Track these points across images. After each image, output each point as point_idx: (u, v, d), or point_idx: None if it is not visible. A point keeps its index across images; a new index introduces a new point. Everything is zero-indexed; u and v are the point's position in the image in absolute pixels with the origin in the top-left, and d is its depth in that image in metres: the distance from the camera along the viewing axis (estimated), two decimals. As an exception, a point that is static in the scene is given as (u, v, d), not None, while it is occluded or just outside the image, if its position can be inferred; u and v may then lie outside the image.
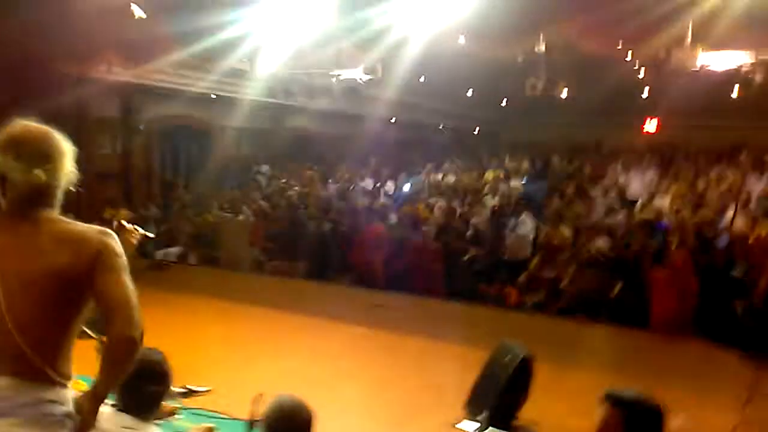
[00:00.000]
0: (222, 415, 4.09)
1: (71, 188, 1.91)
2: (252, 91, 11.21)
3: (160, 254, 9.88)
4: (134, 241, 2.91)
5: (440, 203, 9.59)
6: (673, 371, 5.14)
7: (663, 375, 4.80)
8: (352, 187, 11.34)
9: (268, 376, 4.82)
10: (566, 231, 7.70)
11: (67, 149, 1.87)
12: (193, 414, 4.08)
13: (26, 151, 1.78)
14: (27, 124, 1.84)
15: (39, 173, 1.78)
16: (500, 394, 4.00)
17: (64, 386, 1.80)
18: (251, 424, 3.28)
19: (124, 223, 3.02)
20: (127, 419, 2.51)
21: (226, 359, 5.19)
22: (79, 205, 8.25)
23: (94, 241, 1.81)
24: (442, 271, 7.91)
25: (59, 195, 1.87)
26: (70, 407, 1.79)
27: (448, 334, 5.85)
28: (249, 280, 8.38)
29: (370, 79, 10.95)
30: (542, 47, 9.67)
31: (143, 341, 1.79)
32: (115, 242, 1.87)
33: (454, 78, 12.75)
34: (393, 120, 16.65)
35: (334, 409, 4.18)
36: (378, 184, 11.81)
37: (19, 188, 1.77)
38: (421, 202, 10.24)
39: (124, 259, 1.85)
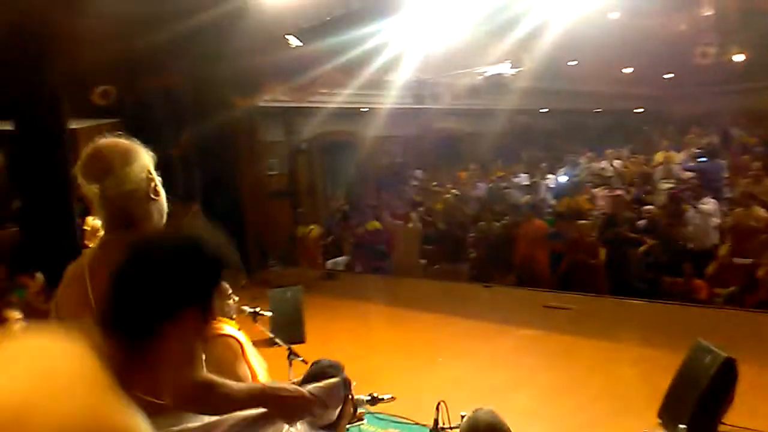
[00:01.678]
0: (405, 420, 4.15)
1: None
2: (399, 100, 11.43)
3: (329, 264, 10.46)
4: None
5: (605, 192, 9.00)
6: None
7: None
8: (505, 186, 11.07)
9: (444, 382, 4.82)
10: (761, 211, 6.82)
11: (132, 159, 1.69)
12: (376, 418, 4.20)
13: (87, 168, 1.67)
14: (98, 142, 1.72)
15: (93, 188, 1.65)
16: (701, 401, 3.61)
17: None
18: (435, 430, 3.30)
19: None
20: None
21: (402, 365, 5.29)
22: (257, 225, 9.00)
23: None
24: (603, 266, 7.39)
25: (143, 212, 1.69)
26: None
27: (627, 334, 5.43)
28: (415, 286, 8.49)
29: (517, 71, 10.65)
30: (710, 10, 8.73)
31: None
32: None
33: (609, 57, 12.01)
34: (545, 110, 16.06)
35: (510, 418, 4.06)
36: (534, 179, 11.42)
37: (95, 208, 1.68)
38: (584, 193, 9.74)
39: None
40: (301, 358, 4.25)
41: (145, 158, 1.73)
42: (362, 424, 4.01)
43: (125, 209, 1.67)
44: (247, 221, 9.60)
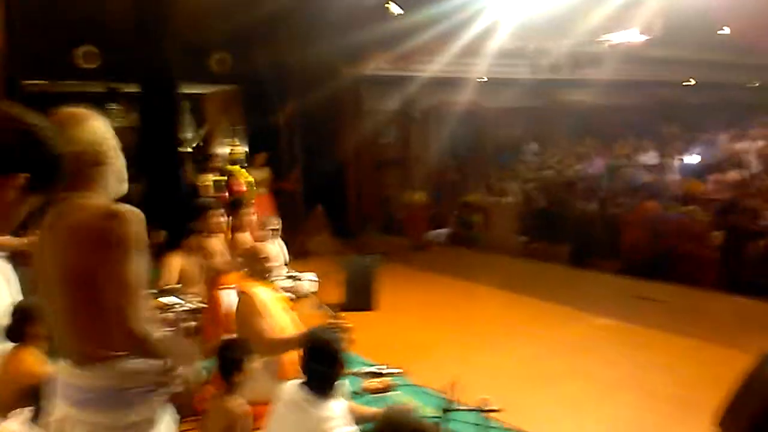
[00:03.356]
0: (440, 394, 4.11)
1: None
2: (520, 70, 10.96)
3: (431, 235, 10.45)
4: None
5: (731, 176, 8.04)
6: None
7: None
8: (626, 164, 10.25)
9: (498, 362, 4.70)
10: None
11: (83, 122, 1.76)
12: (412, 390, 4.19)
13: None
14: (59, 109, 1.78)
15: None
16: (757, 415, 3.18)
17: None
18: (445, 409, 3.24)
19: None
20: (306, 394, 2.71)
21: (461, 342, 5.21)
22: (360, 192, 9.22)
23: (93, 230, 1.67)
24: (717, 258, 6.63)
25: (97, 175, 1.76)
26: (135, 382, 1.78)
27: (716, 333, 4.89)
28: (506, 263, 8.23)
29: (649, 40, 9.71)
30: None
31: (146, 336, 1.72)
32: (118, 227, 1.67)
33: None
34: (690, 83, 14.53)
35: (557, 409, 3.89)
36: (664, 158, 10.45)
37: None
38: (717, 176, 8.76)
39: (125, 245, 1.66)
40: (342, 324, 4.34)
41: (98, 124, 1.81)
42: (394, 394, 4.04)
43: (77, 170, 1.70)
44: (349, 187, 9.83)
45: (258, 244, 4.19)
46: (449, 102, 12.27)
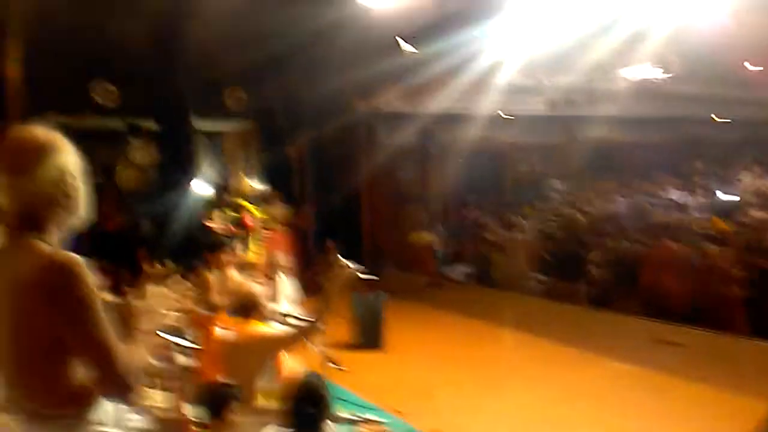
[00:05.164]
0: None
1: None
2: (536, 106, 10.89)
3: (448, 272, 10.29)
4: (347, 276, 3.04)
5: (756, 215, 7.78)
6: None
7: None
8: (649, 201, 10.02)
9: (503, 407, 4.51)
10: None
11: (48, 157, 1.59)
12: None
13: (3, 159, 1.59)
14: (19, 133, 1.62)
15: (2, 179, 1.57)
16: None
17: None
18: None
19: (339, 258, 3.16)
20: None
21: (464, 382, 5.03)
22: (374, 227, 9.12)
23: (38, 280, 1.51)
24: (742, 300, 6.34)
25: (52, 215, 1.61)
26: None
27: (742, 381, 4.62)
28: (522, 302, 8.01)
29: (669, 76, 9.58)
30: None
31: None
32: (65, 275, 1.51)
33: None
34: (715, 120, 14.27)
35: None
36: (688, 196, 10.20)
37: (3, 199, 1.59)
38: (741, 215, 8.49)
39: (82, 294, 1.52)
40: (338, 367, 4.23)
41: (63, 157, 1.63)
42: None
43: (27, 213, 1.59)
44: (363, 224, 9.77)
45: (246, 283, 4.12)
46: (467, 138, 12.22)
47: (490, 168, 13.21)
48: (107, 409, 1.72)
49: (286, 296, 6.13)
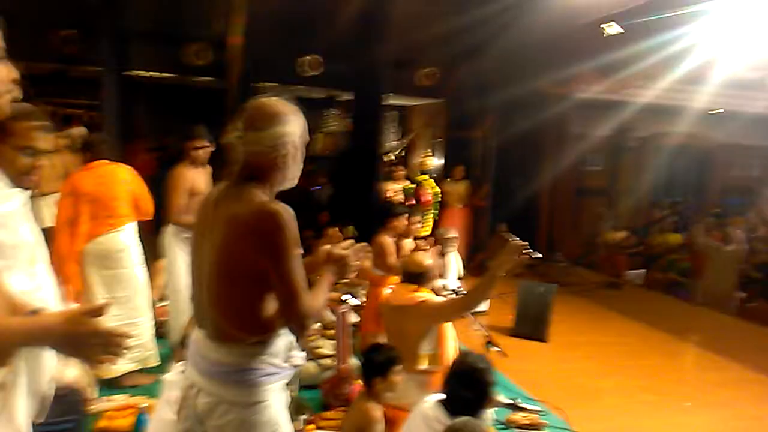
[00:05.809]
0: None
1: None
2: (758, 103, 9.56)
3: (630, 274, 9.59)
4: (516, 257, 3.00)
5: None
6: None
7: None
8: None
9: (675, 424, 4.13)
10: None
11: (275, 123, 1.84)
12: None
13: (241, 117, 1.87)
14: (262, 99, 1.92)
15: (237, 134, 1.84)
16: None
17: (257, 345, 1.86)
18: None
19: (512, 237, 3.13)
20: (442, 414, 2.63)
21: (633, 393, 4.68)
22: (552, 218, 8.89)
23: (250, 223, 1.76)
24: None
25: (270, 171, 1.86)
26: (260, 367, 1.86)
27: None
28: (713, 319, 7.19)
29: None
30: None
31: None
32: (272, 222, 1.74)
33: None
34: None
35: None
36: None
37: (234, 152, 1.86)
38: None
39: (284, 241, 1.74)
40: (498, 349, 4.18)
41: (290, 127, 1.87)
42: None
43: (251, 164, 1.84)
44: (542, 212, 9.44)
45: (417, 252, 4.20)
46: (670, 132, 11.15)
47: (695, 169, 11.96)
48: (280, 344, 1.90)
49: (455, 272, 6.20)
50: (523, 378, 4.62)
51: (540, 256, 3.05)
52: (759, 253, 8.16)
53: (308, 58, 8.03)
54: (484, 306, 6.21)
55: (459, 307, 3.41)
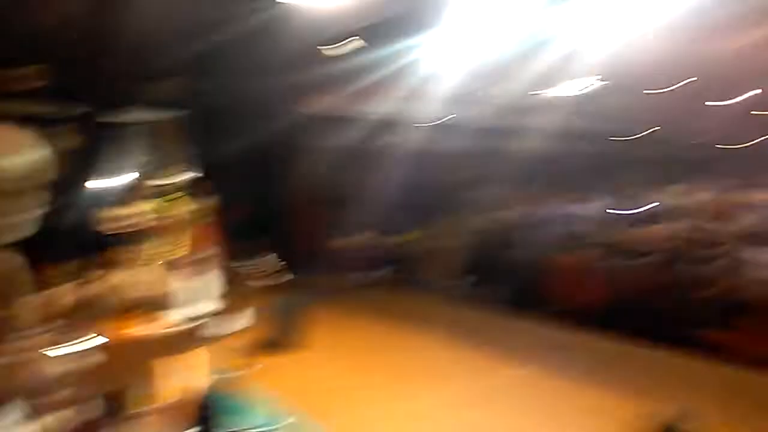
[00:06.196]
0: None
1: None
2: (471, 115, 11.11)
3: (372, 275, 10.37)
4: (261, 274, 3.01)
5: (675, 227, 8.24)
6: None
7: None
8: (566, 212, 10.44)
9: (417, 409, 4.63)
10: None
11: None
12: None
13: None
14: None
15: None
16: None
17: None
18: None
19: (258, 256, 3.13)
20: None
21: (382, 384, 5.13)
22: (299, 232, 9.01)
23: None
24: (656, 309, 6.75)
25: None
26: None
27: (629, 388, 4.91)
28: (445, 307, 8.21)
29: (599, 91, 10.00)
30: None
31: None
32: None
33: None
34: (638, 135, 14.97)
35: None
36: (608, 208, 10.65)
37: None
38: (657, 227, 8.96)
39: None
40: (252, 368, 4.24)
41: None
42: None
43: None
44: (297, 223, 9.73)
45: (145, 282, 4.03)
46: (404, 144, 12.34)
47: (421, 174, 13.38)
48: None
49: (208, 294, 6.06)
50: (277, 390, 4.74)
51: (289, 276, 3.13)
52: (476, 245, 9.45)
53: (33, 68, 7.12)
54: (240, 325, 6.21)
55: (183, 339, 3.29)
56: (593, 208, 10.84)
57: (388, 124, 11.09)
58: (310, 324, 6.12)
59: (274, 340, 5.95)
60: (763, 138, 15.66)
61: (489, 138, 13.01)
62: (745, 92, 11.17)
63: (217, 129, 8.77)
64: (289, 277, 3.16)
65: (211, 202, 8.31)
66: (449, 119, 11.51)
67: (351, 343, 6.34)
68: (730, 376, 5.45)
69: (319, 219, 10.54)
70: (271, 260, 3.15)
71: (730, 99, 11.25)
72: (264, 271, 3.12)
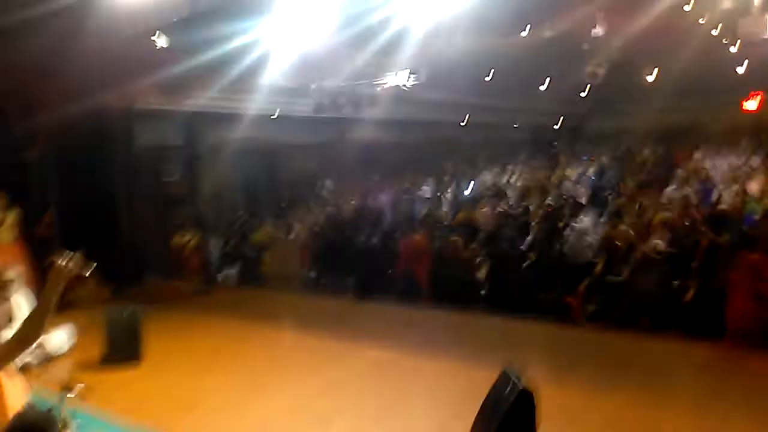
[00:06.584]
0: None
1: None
2: (306, 107, 11.09)
3: (221, 276, 9.99)
4: (69, 274, 2.64)
5: (494, 207, 8.92)
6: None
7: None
8: (407, 197, 10.90)
9: (269, 405, 4.52)
10: (624, 229, 6.81)
11: None
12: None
13: None
14: None
15: None
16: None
17: None
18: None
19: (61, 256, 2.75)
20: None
21: (231, 386, 4.93)
22: (134, 234, 8.35)
23: None
24: (480, 281, 7.28)
25: None
26: None
27: (481, 353, 5.26)
28: (293, 301, 8.15)
29: (422, 83, 10.48)
30: (599, 30, 8.75)
31: None
32: None
33: (525, 72, 11.91)
34: (463, 123, 16.02)
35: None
36: (438, 191, 11.30)
37: None
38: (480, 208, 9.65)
39: None
40: (80, 387, 3.88)
41: None
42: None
43: None
44: (123, 229, 9.01)
45: None
46: (237, 138, 12.01)
47: (261, 168, 13.16)
48: None
49: (20, 316, 5.41)
50: (118, 407, 4.39)
51: (93, 266, 2.77)
52: (319, 236, 9.50)
53: None
54: (66, 345, 5.69)
55: (8, 350, 2.92)
56: (426, 192, 11.43)
57: (218, 119, 10.68)
58: (149, 334, 5.72)
59: (109, 354, 5.48)
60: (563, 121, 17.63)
61: (323, 130, 13.13)
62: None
63: (21, 135, 7.83)
64: (126, 287, 2.88)
65: (13, 216, 7.43)
66: (284, 112, 11.35)
67: (197, 348, 6.03)
68: (562, 335, 6.08)
69: (154, 221, 9.90)
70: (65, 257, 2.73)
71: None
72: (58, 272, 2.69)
